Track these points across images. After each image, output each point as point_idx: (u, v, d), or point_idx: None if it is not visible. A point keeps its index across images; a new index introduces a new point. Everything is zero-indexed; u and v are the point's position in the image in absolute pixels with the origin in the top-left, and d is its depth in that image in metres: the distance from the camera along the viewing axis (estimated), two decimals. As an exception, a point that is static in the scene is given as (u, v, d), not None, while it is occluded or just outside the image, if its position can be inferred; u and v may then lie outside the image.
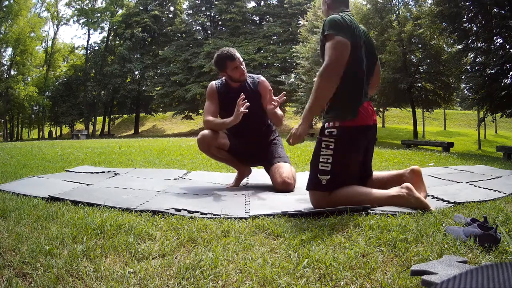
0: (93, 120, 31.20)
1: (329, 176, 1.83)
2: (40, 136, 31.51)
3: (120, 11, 31.34)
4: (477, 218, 1.50)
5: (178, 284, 0.97)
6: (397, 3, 15.25)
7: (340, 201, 1.80)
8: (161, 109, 33.45)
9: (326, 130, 1.87)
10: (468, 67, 11.83)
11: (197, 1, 30.74)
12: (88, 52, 32.28)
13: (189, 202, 1.94)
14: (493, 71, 10.20)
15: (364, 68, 1.90)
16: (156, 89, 28.88)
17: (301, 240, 1.29)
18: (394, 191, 1.81)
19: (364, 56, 1.91)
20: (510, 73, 10.17)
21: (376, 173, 2.15)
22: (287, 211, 1.69)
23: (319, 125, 13.31)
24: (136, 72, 30.85)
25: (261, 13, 30.30)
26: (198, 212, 1.71)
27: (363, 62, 1.90)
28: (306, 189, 1.92)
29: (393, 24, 14.19)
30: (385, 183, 2.06)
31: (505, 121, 26.47)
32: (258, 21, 30.94)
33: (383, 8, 14.64)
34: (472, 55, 11.16)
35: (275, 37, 28.54)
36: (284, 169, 2.47)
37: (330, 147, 1.85)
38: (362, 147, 1.94)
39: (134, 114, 32.66)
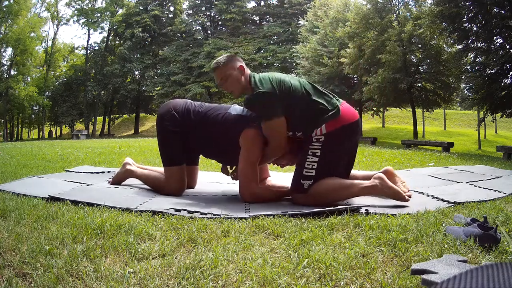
0: (93, 120, 31.16)
1: (312, 181, 1.91)
2: (40, 136, 31.46)
3: (120, 11, 31.30)
4: (477, 218, 1.50)
5: (178, 284, 0.97)
6: (397, 3, 15.21)
7: (317, 196, 1.89)
8: (161, 109, 33.42)
9: (314, 138, 1.94)
10: (468, 67, 11.80)
11: (197, 1, 30.74)
12: (88, 52, 32.25)
13: (189, 202, 1.94)
14: (493, 71, 10.18)
15: (305, 89, 2.00)
16: (156, 89, 28.85)
17: (301, 240, 1.29)
18: (367, 182, 1.90)
19: (301, 84, 2.02)
20: (510, 73, 10.15)
21: (352, 172, 2.21)
22: (287, 211, 1.69)
23: None
24: (136, 72, 30.82)
25: (261, 13, 30.30)
26: (198, 212, 1.71)
27: (307, 89, 2.00)
28: (289, 191, 2.03)
29: (393, 24, 14.15)
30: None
31: (505, 121, 26.44)
32: (258, 21, 30.94)
33: (383, 8, 14.60)
34: (472, 55, 11.13)
35: (275, 37, 28.53)
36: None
37: (317, 154, 1.93)
38: (349, 148, 2.01)
39: (134, 114, 32.64)
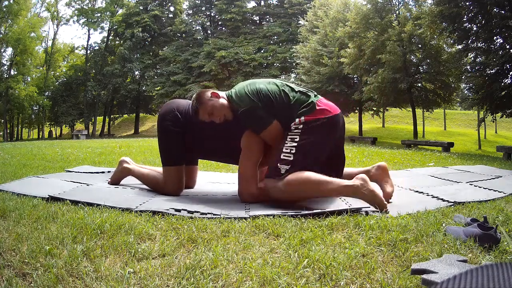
0: (93, 120, 31.16)
1: (289, 166, 1.86)
2: (40, 136, 31.47)
3: (120, 11, 31.29)
4: (477, 218, 1.50)
5: (178, 284, 0.97)
6: (397, 3, 15.23)
7: (296, 185, 1.81)
8: (161, 109, 33.42)
9: (293, 126, 1.92)
10: (468, 67, 11.81)
11: (197, 1, 30.73)
12: (88, 52, 32.25)
13: (189, 202, 1.94)
14: (493, 71, 10.18)
15: (283, 91, 1.99)
16: (156, 89, 28.84)
17: (301, 240, 1.29)
18: (349, 181, 1.81)
19: (282, 88, 2.02)
20: (510, 73, 10.16)
21: (345, 169, 2.21)
22: (287, 211, 1.69)
23: None
24: (136, 72, 30.81)
25: (261, 13, 30.28)
26: (198, 212, 1.71)
27: (285, 91, 2.00)
28: (265, 177, 1.96)
29: (393, 24, 14.16)
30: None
31: (505, 121, 26.45)
32: (258, 21, 30.93)
33: (383, 8, 14.61)
34: (472, 55, 11.14)
35: (275, 37, 28.52)
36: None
37: (295, 140, 1.90)
38: (330, 140, 1.98)
39: (134, 114, 32.65)
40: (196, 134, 2.20)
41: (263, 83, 2.04)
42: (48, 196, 1.92)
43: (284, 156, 1.88)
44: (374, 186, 1.81)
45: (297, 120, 1.92)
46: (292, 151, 1.87)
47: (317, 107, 1.94)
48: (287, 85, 2.06)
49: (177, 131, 2.18)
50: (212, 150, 2.29)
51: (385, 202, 1.76)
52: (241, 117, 1.97)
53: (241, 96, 1.98)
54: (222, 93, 2.10)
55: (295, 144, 1.88)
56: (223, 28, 30.80)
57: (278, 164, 1.88)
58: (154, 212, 1.67)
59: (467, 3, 9.95)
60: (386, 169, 2.07)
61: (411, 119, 16.99)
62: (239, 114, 1.97)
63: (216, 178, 2.98)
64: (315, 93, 2.06)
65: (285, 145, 1.90)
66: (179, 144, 2.20)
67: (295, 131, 1.91)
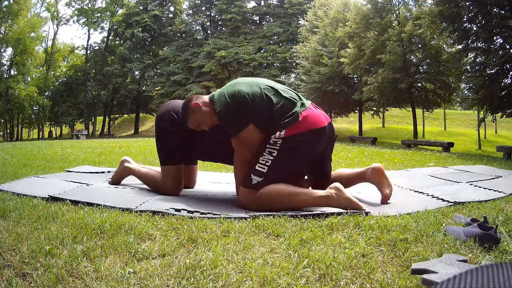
0: (93, 120, 31.16)
1: (262, 178, 1.84)
2: (40, 136, 31.46)
3: (120, 11, 31.30)
4: (477, 218, 1.50)
5: (178, 284, 0.97)
6: (397, 3, 15.23)
7: (266, 199, 1.81)
8: (161, 109, 33.39)
9: (272, 140, 1.89)
10: (468, 67, 11.81)
11: (197, 1, 30.75)
12: (88, 52, 32.27)
13: (189, 202, 1.94)
14: (493, 71, 10.19)
15: (265, 94, 1.91)
16: (156, 89, 28.85)
17: (301, 240, 1.29)
18: (323, 191, 1.81)
19: (267, 88, 1.95)
20: (510, 73, 10.16)
21: (340, 171, 2.20)
22: (287, 211, 1.69)
23: None
24: (136, 72, 30.83)
25: (261, 13, 30.30)
26: (197, 212, 1.71)
27: (269, 95, 1.92)
28: (239, 184, 1.95)
29: (393, 24, 14.16)
30: (350, 181, 2.14)
31: (505, 121, 26.46)
32: (258, 21, 30.94)
33: (383, 8, 14.60)
34: (472, 55, 11.14)
35: (275, 37, 28.53)
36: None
37: (273, 154, 1.87)
38: (310, 153, 1.95)
39: (134, 114, 32.66)
40: (194, 133, 2.20)
41: (244, 85, 1.96)
42: (48, 196, 1.92)
43: (258, 167, 1.86)
44: (349, 193, 1.81)
45: (277, 133, 1.87)
46: (267, 164, 1.85)
47: (300, 119, 1.87)
48: (273, 89, 1.96)
49: (174, 131, 2.19)
50: (211, 150, 2.29)
51: (363, 206, 1.75)
52: (218, 120, 1.96)
53: (220, 97, 1.95)
54: (205, 98, 2.07)
55: (272, 158, 1.85)
56: (223, 28, 30.81)
57: (251, 174, 1.87)
58: (154, 212, 1.67)
59: (467, 3, 9.95)
60: (382, 170, 2.03)
61: (411, 119, 16.99)
62: (217, 115, 1.95)
63: (216, 178, 2.98)
64: (303, 102, 1.97)
65: (262, 156, 1.87)
66: (175, 144, 2.20)
67: (274, 145, 1.87)
